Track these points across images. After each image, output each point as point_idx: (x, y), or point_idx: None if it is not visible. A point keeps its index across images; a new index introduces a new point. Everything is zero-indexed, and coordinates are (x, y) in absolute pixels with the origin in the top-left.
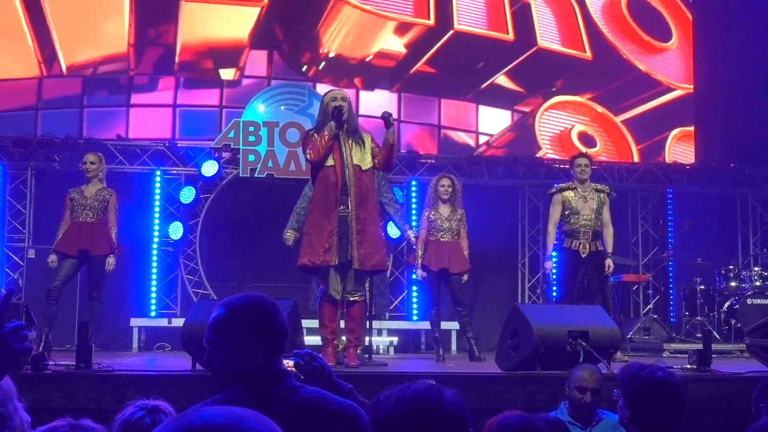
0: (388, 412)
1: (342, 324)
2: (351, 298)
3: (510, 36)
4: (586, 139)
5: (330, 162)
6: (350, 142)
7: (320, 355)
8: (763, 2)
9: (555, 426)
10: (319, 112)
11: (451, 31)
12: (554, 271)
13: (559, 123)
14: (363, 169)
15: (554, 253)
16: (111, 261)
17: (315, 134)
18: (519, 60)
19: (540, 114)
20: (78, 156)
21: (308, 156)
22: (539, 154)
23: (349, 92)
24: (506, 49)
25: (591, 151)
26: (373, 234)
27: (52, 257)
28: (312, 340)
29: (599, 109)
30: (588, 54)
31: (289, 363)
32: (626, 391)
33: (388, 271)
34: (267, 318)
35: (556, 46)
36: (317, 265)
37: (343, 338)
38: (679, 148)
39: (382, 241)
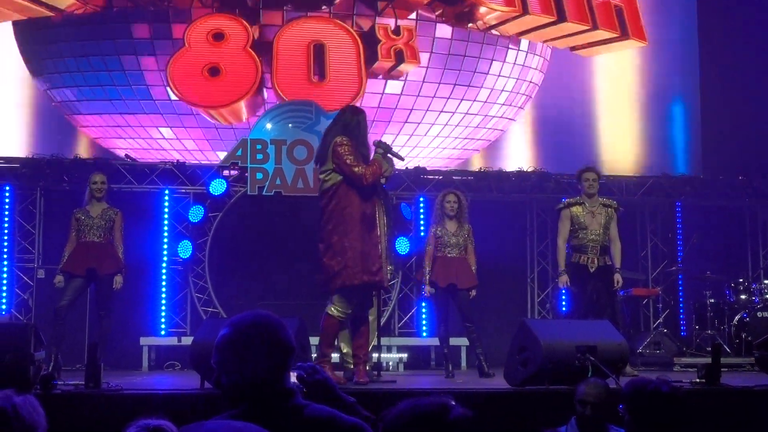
0: (394, 424)
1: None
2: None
3: None
4: None
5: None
6: None
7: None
8: None
9: None
10: (352, 123)
11: None
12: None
13: None
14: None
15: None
16: (119, 279)
17: (353, 147)
18: None
19: None
20: (86, 176)
21: (367, 179)
22: None
23: None
24: None
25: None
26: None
27: (59, 278)
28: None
29: None
30: None
31: (292, 375)
32: (632, 407)
33: (398, 288)
34: (272, 335)
35: None
36: (375, 282)
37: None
38: None
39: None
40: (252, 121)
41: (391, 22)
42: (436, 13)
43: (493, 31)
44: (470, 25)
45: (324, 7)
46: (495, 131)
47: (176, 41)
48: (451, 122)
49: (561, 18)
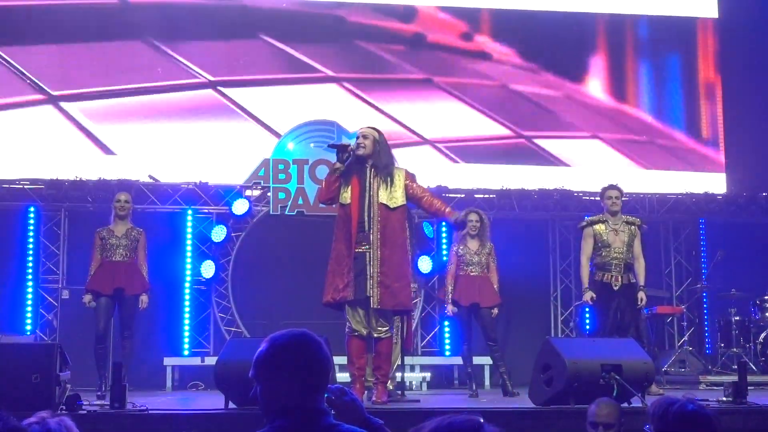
0: None
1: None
2: (376, 335)
3: None
4: None
5: (347, 200)
6: (377, 178)
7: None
8: None
9: None
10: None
11: None
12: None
13: None
14: (390, 207)
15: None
16: (144, 299)
17: (330, 172)
18: None
19: None
20: (110, 197)
21: (318, 198)
22: None
23: None
24: None
25: None
26: (395, 274)
27: (88, 297)
28: (343, 377)
29: None
30: None
31: None
32: (658, 427)
33: (420, 307)
34: (309, 355)
35: None
36: (338, 301)
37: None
38: None
39: (407, 281)
40: None
41: None
42: None
43: None
44: None
45: None
46: None
47: None
48: None
49: None
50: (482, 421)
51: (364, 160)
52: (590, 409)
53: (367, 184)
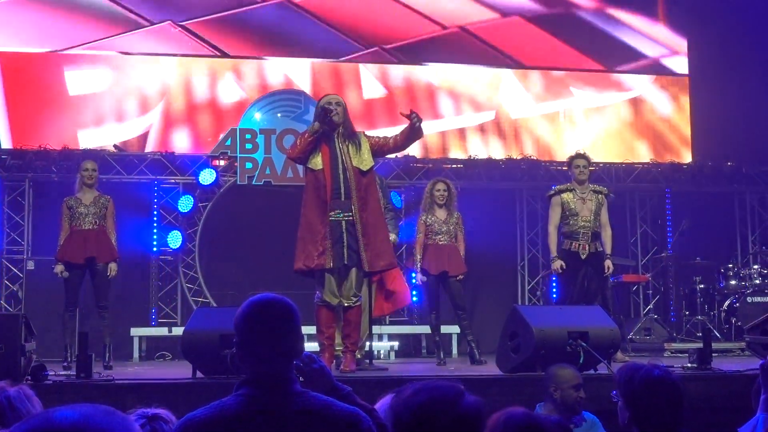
0: (405, 400)
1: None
2: (346, 303)
3: None
4: None
5: (318, 165)
6: (347, 144)
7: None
8: None
9: (560, 427)
10: (314, 116)
11: None
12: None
13: None
14: (363, 170)
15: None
16: (113, 267)
17: (304, 132)
18: None
19: None
20: (75, 167)
21: (287, 153)
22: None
23: None
24: None
25: None
26: (378, 235)
27: (60, 267)
28: (311, 346)
29: None
30: None
31: None
32: (625, 392)
33: None
34: (273, 321)
35: None
36: (311, 268)
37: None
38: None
39: (388, 238)
40: None
41: None
42: None
43: None
44: None
45: None
46: None
47: None
48: None
49: None
50: (458, 385)
51: (335, 127)
52: (564, 373)
53: (338, 151)
